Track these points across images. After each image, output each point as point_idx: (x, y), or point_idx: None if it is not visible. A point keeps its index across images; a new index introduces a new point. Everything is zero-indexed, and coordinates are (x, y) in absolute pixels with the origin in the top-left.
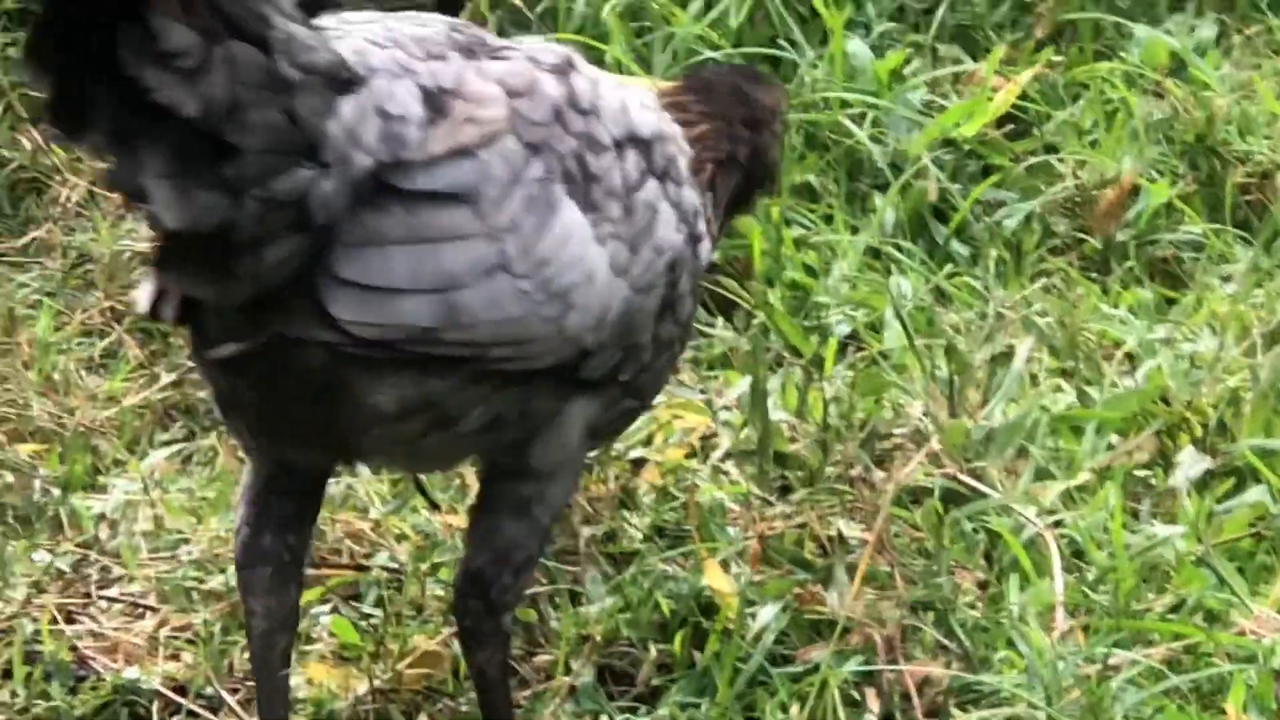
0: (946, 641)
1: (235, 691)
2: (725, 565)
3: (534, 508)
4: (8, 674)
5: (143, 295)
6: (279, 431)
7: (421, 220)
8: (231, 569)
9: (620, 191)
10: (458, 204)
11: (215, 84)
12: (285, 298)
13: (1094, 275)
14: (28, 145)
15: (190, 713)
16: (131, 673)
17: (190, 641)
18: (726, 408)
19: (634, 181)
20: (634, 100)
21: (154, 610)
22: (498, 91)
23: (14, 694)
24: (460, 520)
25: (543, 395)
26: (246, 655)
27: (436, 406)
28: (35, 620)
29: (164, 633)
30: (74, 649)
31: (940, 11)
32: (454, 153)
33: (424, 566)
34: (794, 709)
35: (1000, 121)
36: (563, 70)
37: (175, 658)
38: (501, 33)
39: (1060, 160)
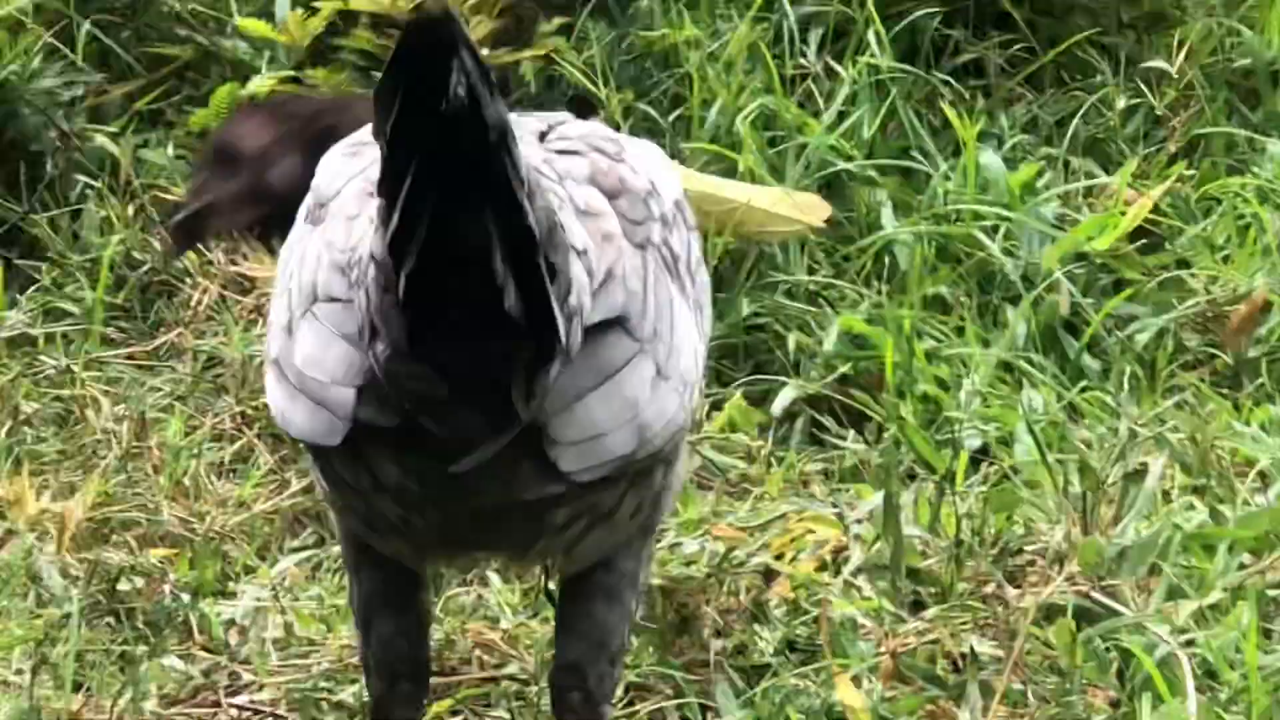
0: None
1: None
2: (857, 681)
3: (624, 592)
4: None
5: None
6: (447, 548)
7: (601, 359)
8: (360, 681)
9: (687, 260)
10: (618, 329)
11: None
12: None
13: (1226, 391)
14: (159, 248)
15: None
16: None
17: None
18: (858, 521)
19: (689, 246)
20: (656, 160)
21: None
22: (602, 198)
23: None
24: None
25: (660, 472)
26: None
27: (599, 509)
28: None
29: None
30: None
31: (1073, 125)
32: (605, 278)
33: None
34: None
35: (1132, 235)
36: (619, 152)
37: None
38: None
39: (1192, 275)
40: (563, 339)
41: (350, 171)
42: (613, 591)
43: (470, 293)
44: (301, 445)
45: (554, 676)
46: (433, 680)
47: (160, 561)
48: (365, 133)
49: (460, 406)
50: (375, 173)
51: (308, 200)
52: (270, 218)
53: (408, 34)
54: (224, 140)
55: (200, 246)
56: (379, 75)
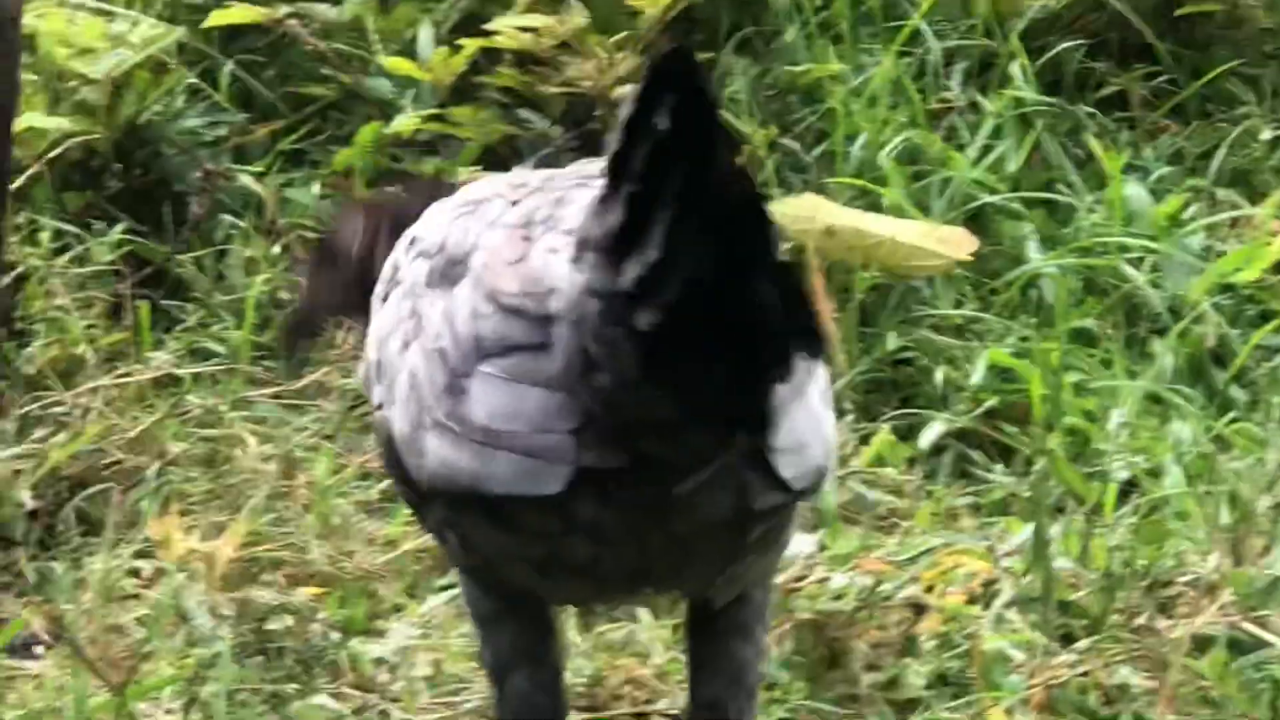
0: None
1: None
2: (1009, 714)
3: (756, 627)
4: None
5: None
6: (629, 585)
7: None
8: None
9: None
10: None
11: None
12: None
13: None
14: (275, 354)
15: None
16: None
17: None
18: (1008, 554)
19: None
20: None
21: None
22: None
23: None
24: None
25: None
26: None
27: (776, 530)
28: None
29: None
30: None
31: (1218, 156)
32: None
33: None
34: None
35: (1279, 266)
36: None
37: None
38: (782, 180)
39: None
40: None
41: (479, 227)
42: (746, 627)
43: (725, 319)
44: (419, 512)
45: (693, 715)
46: (583, 717)
47: (310, 600)
48: (469, 193)
49: (689, 429)
50: (513, 219)
51: (430, 264)
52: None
53: (665, 67)
54: (327, 242)
55: (311, 343)
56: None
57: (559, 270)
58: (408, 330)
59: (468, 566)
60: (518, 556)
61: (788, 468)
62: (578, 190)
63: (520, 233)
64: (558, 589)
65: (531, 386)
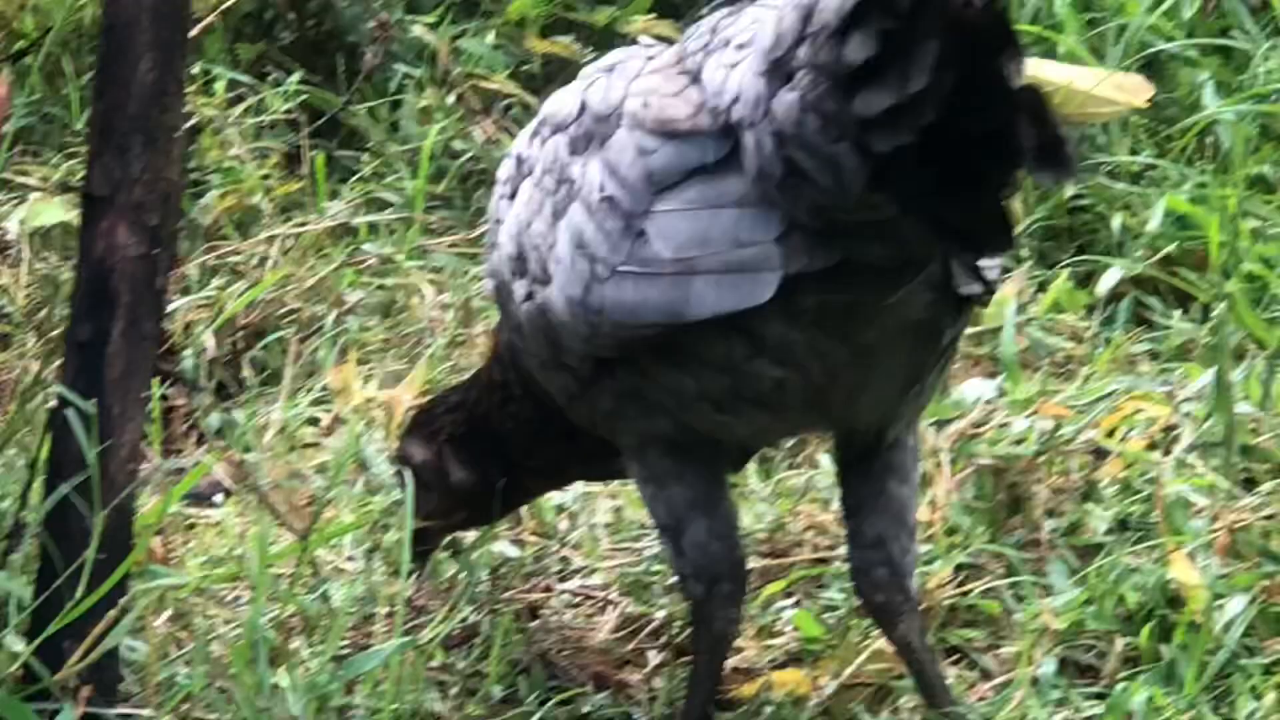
0: None
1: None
2: (1192, 558)
3: (911, 468)
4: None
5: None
6: (808, 412)
7: None
8: None
9: None
10: None
11: None
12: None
13: None
14: (479, 138)
15: None
16: (603, 698)
17: (654, 634)
18: (1188, 399)
19: None
20: None
21: (615, 604)
22: None
23: (487, 695)
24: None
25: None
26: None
27: (956, 341)
28: (499, 615)
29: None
30: (543, 654)
31: None
32: None
33: None
34: (1268, 698)
35: None
36: None
37: (633, 661)
38: None
39: None
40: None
41: (622, 82)
42: (904, 468)
43: (967, 138)
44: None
45: (856, 556)
46: (766, 563)
47: None
48: (600, 64)
49: (907, 232)
50: (662, 63)
51: (569, 134)
52: (471, 511)
53: None
54: (405, 464)
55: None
56: None
57: (741, 80)
58: (556, 202)
59: (644, 431)
60: (699, 397)
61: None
62: (730, 20)
63: (675, 69)
64: (737, 425)
65: (719, 210)
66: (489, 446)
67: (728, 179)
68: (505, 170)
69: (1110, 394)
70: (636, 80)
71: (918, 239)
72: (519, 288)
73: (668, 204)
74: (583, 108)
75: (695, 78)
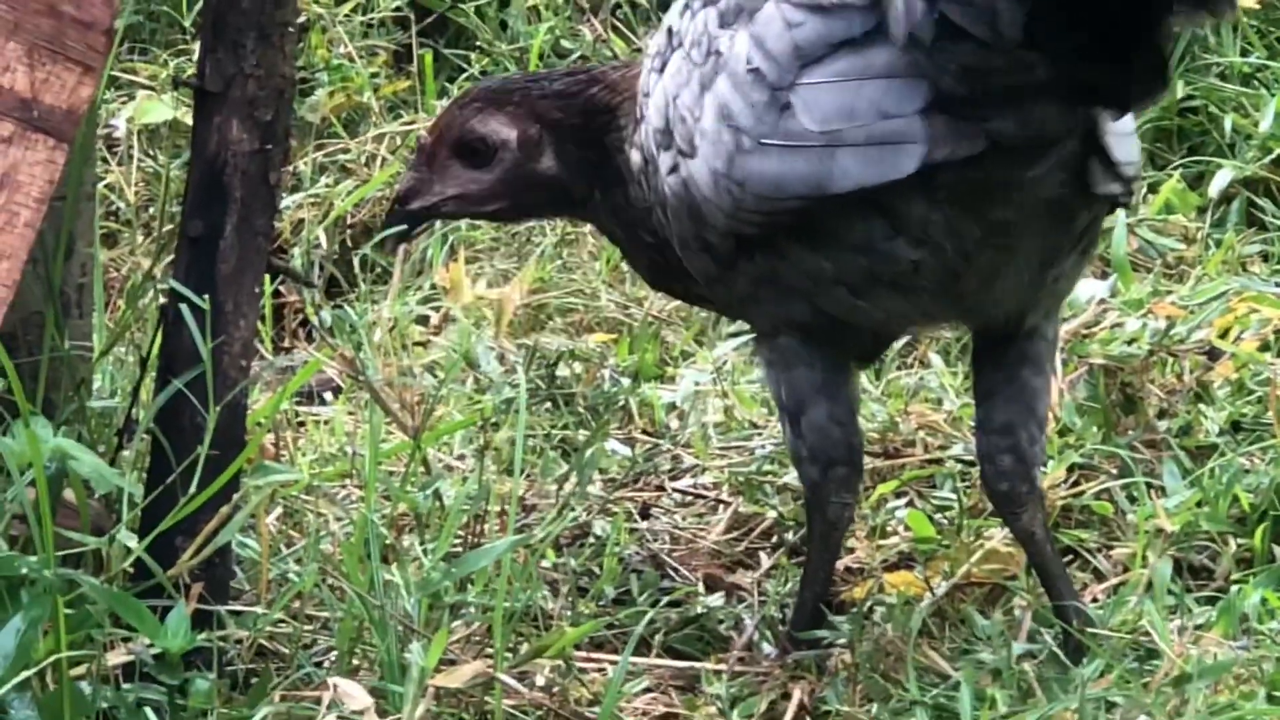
0: None
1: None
2: None
3: (1046, 360)
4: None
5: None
6: (941, 297)
7: None
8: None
9: None
10: None
11: None
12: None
13: None
14: (587, 36)
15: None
16: (715, 600)
17: (763, 536)
18: None
19: None
20: None
21: (726, 504)
22: None
23: (599, 595)
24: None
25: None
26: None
27: (1094, 230)
28: (611, 514)
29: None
30: (655, 554)
31: None
32: None
33: None
34: None
35: None
36: None
37: (745, 562)
38: None
39: None
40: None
41: None
42: (1039, 358)
43: None
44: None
45: (984, 443)
46: (878, 463)
47: (599, 346)
48: None
49: (1051, 99)
50: None
51: (718, 8)
52: (515, 204)
53: None
54: (469, 133)
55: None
56: None
57: None
58: (704, 74)
59: (778, 315)
60: (836, 280)
61: (1122, 151)
62: None
63: None
64: (872, 310)
65: (865, 81)
66: (594, 163)
67: (874, 50)
68: (656, 43)
69: (1222, 295)
70: None
71: (1057, 114)
72: (664, 160)
73: (814, 76)
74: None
75: None
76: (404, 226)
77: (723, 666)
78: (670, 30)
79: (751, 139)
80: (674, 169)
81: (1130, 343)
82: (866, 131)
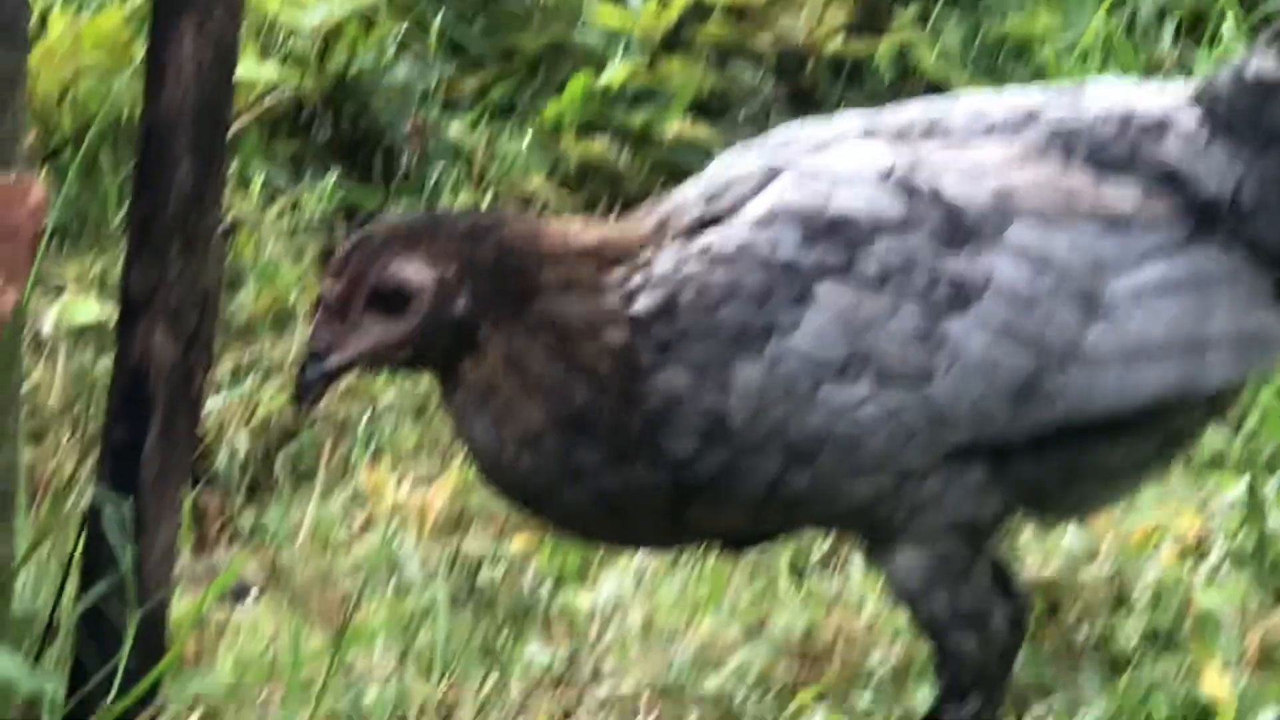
0: None
1: None
2: (1224, 670)
3: None
4: None
5: None
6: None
7: None
8: (725, 670)
9: None
10: None
11: None
12: None
13: None
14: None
15: None
16: None
17: None
18: (1219, 511)
19: None
20: None
21: (648, 711)
22: None
23: None
24: None
25: None
26: None
27: None
28: None
29: None
30: None
31: None
32: None
33: None
34: None
35: None
36: None
37: None
38: None
39: None
40: None
41: (984, 172)
42: None
43: None
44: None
45: None
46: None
47: (521, 550)
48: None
49: None
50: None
51: (917, 236)
52: (431, 349)
53: None
54: (388, 280)
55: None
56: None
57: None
58: (936, 301)
59: (964, 517)
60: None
61: None
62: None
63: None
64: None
65: (1205, 286)
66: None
67: (1208, 251)
68: (754, 283)
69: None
70: (1011, 172)
71: None
72: (839, 393)
73: (1134, 280)
74: (937, 198)
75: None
76: (320, 383)
77: None
78: (787, 265)
79: (1074, 351)
80: (863, 401)
81: (1069, 560)
82: (1236, 327)
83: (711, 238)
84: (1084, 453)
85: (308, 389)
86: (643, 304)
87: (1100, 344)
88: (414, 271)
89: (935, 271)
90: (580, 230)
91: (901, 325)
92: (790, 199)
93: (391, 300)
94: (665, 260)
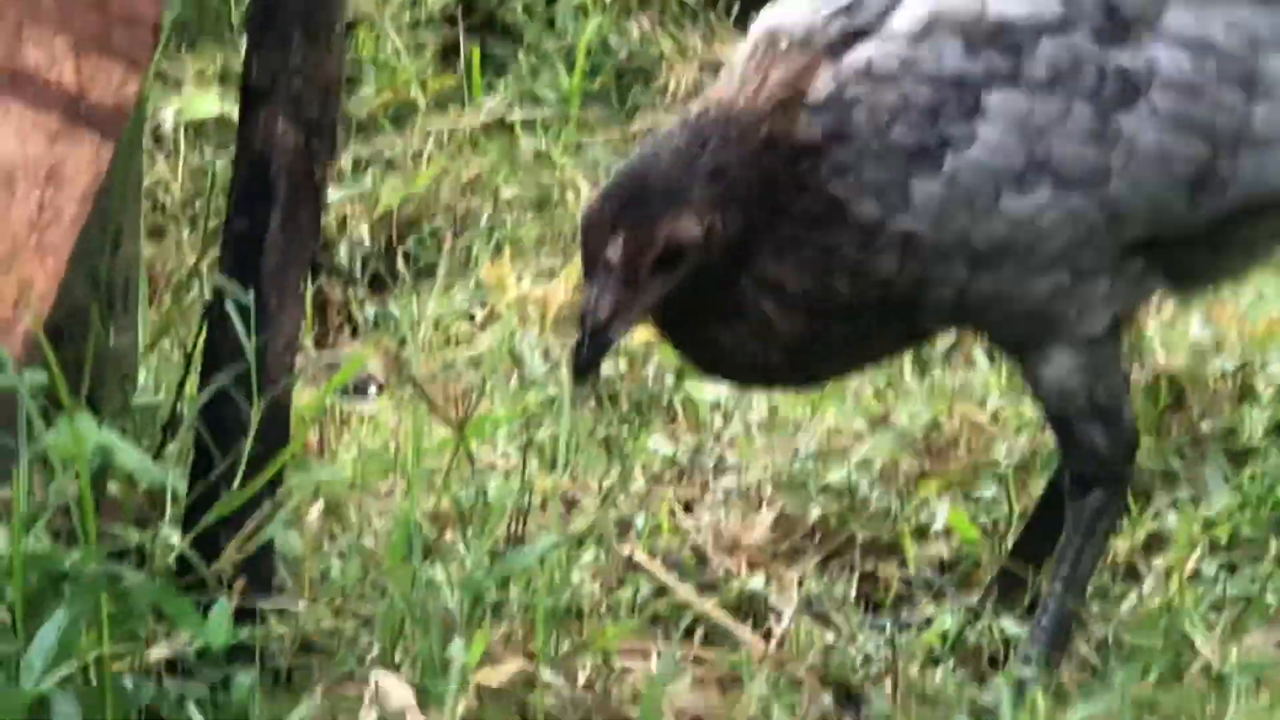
0: None
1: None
2: None
3: None
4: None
5: None
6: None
7: None
8: (848, 461)
9: None
10: None
11: None
12: None
13: None
14: (634, 34)
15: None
16: (756, 582)
17: (805, 537)
18: None
19: None
20: None
21: (771, 503)
22: None
23: (638, 588)
24: None
25: None
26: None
27: None
28: (655, 514)
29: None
30: (695, 548)
31: None
32: None
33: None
34: None
35: None
36: None
37: (791, 554)
38: None
39: None
40: None
41: None
42: None
43: None
44: None
45: None
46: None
47: (644, 343)
48: None
49: None
50: None
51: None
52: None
53: None
54: (672, 239)
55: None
56: None
57: None
58: (1105, 98)
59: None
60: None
61: None
62: None
63: None
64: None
65: None
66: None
67: None
68: (924, 99)
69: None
70: None
71: None
72: (1018, 200)
73: None
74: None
75: None
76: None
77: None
78: (956, 78)
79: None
80: (1044, 208)
81: (1194, 353)
82: None
83: (869, 52)
84: (1239, 230)
85: (591, 363)
86: (816, 129)
87: (1267, 123)
88: (690, 227)
89: (1101, 68)
90: (754, 92)
91: (1076, 126)
92: (944, 6)
93: (672, 259)
94: (824, 82)
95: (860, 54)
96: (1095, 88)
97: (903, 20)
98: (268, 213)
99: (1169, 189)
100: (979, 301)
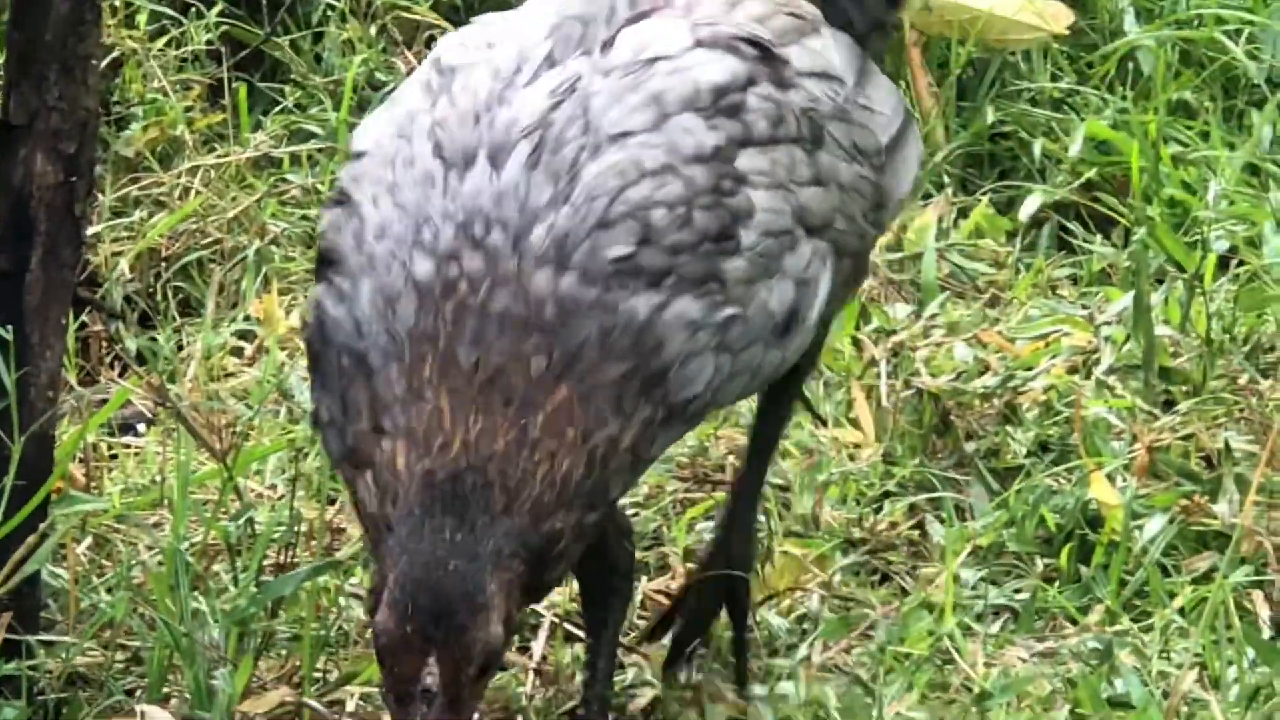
0: None
1: None
2: (1111, 479)
3: None
4: None
5: None
6: None
7: None
8: None
9: None
10: None
11: None
12: None
13: None
14: (401, 69)
15: None
16: None
17: None
18: (1108, 323)
19: None
20: None
21: None
22: None
23: None
24: (847, 434)
25: None
26: None
27: None
28: None
29: None
30: None
31: None
32: None
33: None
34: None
35: None
36: None
37: None
38: None
39: None
40: None
41: None
42: None
43: None
44: None
45: None
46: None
47: None
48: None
49: None
50: None
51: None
52: None
53: None
54: (488, 655)
55: None
56: None
57: None
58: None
59: None
60: None
61: None
62: None
63: None
64: None
65: None
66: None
67: None
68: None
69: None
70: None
71: None
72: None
73: None
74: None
75: None
76: None
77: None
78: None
79: None
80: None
81: (959, 375)
82: None
83: None
84: None
85: None
86: None
87: None
88: (497, 631)
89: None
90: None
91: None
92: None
93: (489, 666)
94: None
95: None
96: None
97: None
98: (28, 250)
99: None
100: None
